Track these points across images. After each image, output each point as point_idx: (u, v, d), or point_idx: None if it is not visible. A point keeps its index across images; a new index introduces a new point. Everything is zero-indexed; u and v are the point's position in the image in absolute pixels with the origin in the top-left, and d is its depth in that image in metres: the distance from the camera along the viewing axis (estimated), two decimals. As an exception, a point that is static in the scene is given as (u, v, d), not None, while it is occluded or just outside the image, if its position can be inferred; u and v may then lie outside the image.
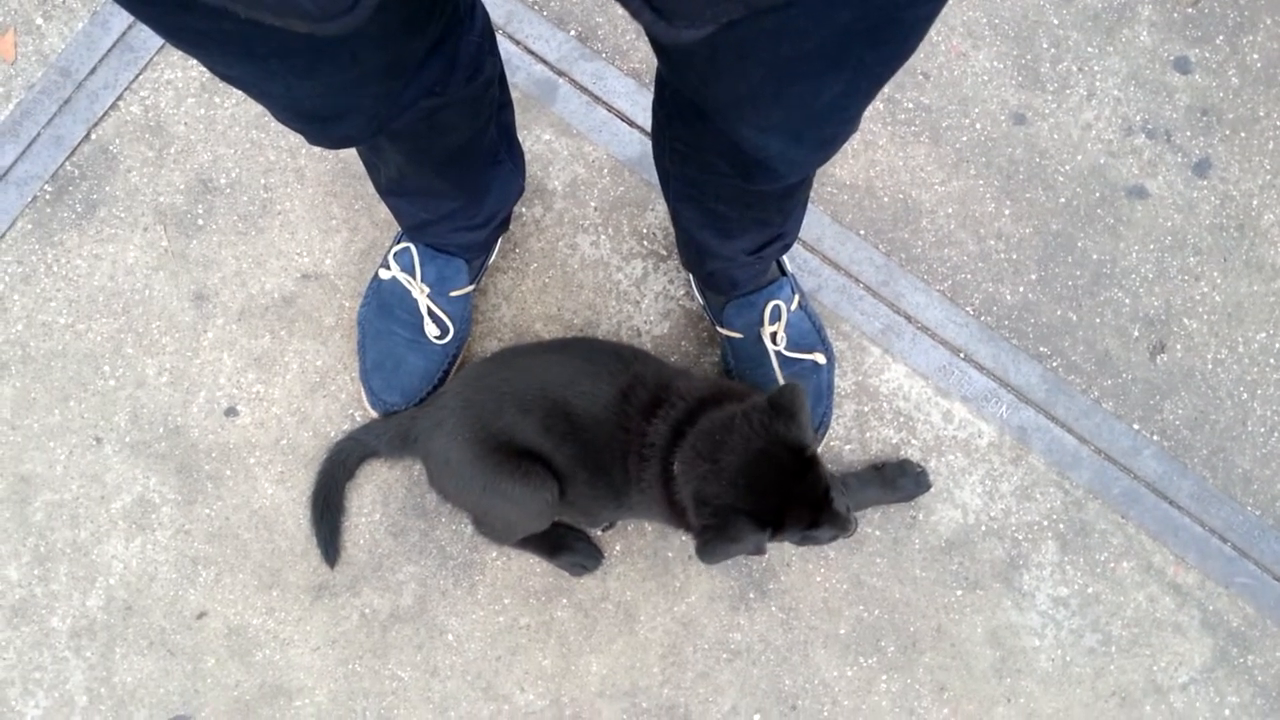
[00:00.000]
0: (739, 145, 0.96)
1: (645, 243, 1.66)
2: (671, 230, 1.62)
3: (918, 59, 1.69)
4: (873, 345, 1.63)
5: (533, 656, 1.57)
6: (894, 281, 1.65)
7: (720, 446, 1.17)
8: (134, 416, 1.61)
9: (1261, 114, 1.69)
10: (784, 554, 1.59)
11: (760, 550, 1.21)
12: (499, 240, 1.62)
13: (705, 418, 1.22)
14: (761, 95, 0.84)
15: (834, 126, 0.94)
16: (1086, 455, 1.61)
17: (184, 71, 1.69)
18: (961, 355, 1.63)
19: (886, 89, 1.64)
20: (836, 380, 1.61)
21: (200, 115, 1.68)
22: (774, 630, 1.57)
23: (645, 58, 1.70)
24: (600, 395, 1.31)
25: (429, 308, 1.53)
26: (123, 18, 1.69)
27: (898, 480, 1.57)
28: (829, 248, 1.66)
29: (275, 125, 1.67)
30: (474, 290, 1.58)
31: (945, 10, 0.79)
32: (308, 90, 0.93)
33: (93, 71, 1.68)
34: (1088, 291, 1.65)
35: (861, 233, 1.66)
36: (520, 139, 1.46)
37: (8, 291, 1.63)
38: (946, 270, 1.66)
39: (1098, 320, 1.65)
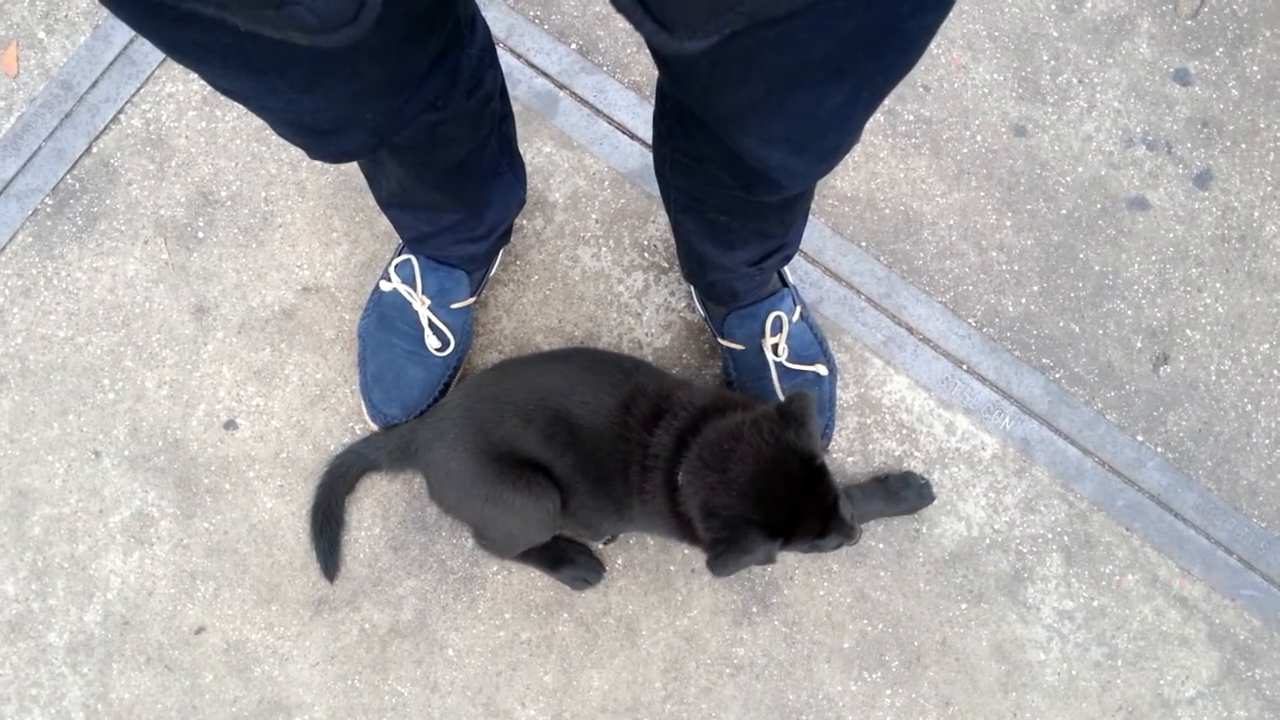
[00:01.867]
0: (740, 156, 0.96)
1: (646, 255, 1.66)
2: (672, 242, 1.61)
3: (918, 72, 1.69)
4: (875, 357, 1.63)
5: (534, 672, 1.55)
6: (896, 293, 1.65)
7: (729, 456, 1.16)
8: (133, 430, 1.60)
9: (1262, 125, 1.69)
10: (787, 568, 1.58)
11: (771, 560, 1.19)
12: (500, 252, 1.61)
13: (710, 427, 1.21)
14: (764, 106, 0.84)
15: (836, 137, 0.94)
16: (1090, 467, 1.60)
17: (185, 85, 1.69)
18: (964, 367, 1.63)
19: (887, 101, 1.64)
20: (838, 392, 1.60)
21: (201, 128, 1.68)
22: (777, 645, 1.56)
23: (646, 70, 1.70)
24: (601, 405, 1.31)
25: (430, 320, 1.53)
26: (124, 32, 1.69)
27: (901, 492, 1.56)
28: (830, 259, 1.65)
29: (276, 138, 1.65)
30: (475, 302, 1.58)
31: (945, 23, 0.78)
32: (308, 104, 0.93)
33: (94, 85, 1.68)
34: (1090, 303, 1.65)
35: (863, 244, 1.66)
36: (521, 151, 1.46)
37: (7, 304, 1.63)
38: (948, 282, 1.65)
39: (1100, 332, 1.64)
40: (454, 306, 1.54)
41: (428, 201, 1.34)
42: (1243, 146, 1.68)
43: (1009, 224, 1.67)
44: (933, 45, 0.83)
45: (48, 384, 1.61)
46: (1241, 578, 1.58)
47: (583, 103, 1.69)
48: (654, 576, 1.58)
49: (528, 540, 1.43)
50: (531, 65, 1.69)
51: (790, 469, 1.15)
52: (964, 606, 1.57)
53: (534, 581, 1.57)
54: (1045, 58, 1.71)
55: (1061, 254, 1.66)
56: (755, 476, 1.15)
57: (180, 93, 1.69)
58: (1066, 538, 1.59)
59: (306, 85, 0.88)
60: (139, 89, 1.68)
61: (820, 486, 1.17)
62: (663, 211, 1.63)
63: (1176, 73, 1.70)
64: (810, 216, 1.47)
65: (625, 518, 1.37)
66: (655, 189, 1.61)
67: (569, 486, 1.34)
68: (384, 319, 1.56)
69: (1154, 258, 1.66)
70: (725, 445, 1.17)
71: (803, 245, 1.61)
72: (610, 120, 1.69)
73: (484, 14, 1.15)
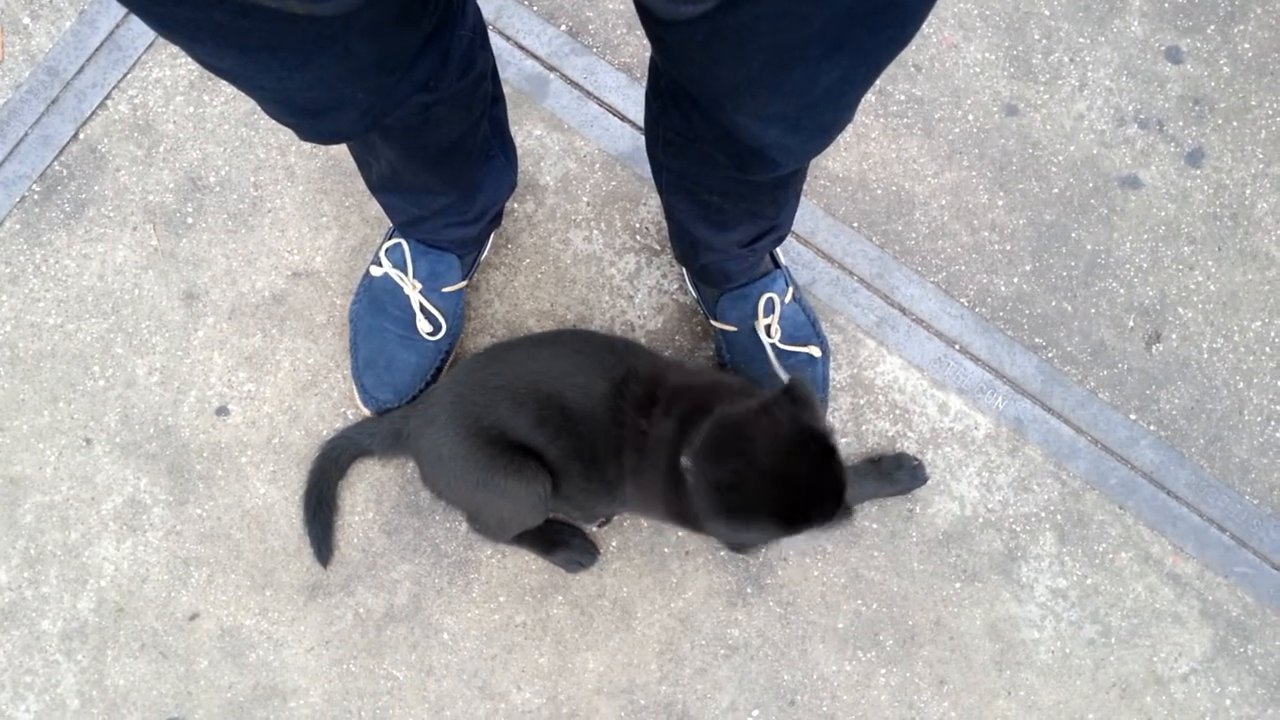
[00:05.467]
0: (735, 134, 0.95)
1: (638, 237, 1.65)
2: (664, 224, 1.61)
3: (909, 51, 1.68)
4: (867, 338, 1.63)
5: (529, 654, 1.55)
6: (888, 274, 1.64)
7: (742, 448, 1.11)
8: (124, 417, 1.60)
9: (1253, 103, 1.69)
10: (781, 548, 1.58)
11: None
12: (491, 236, 1.61)
13: (715, 416, 1.15)
14: (759, 82, 0.84)
15: (831, 114, 0.93)
16: (1083, 446, 1.60)
17: (172, 70, 1.67)
18: (956, 347, 1.63)
19: (878, 81, 1.63)
20: (831, 373, 1.60)
21: (189, 113, 1.66)
22: (772, 625, 1.56)
23: (636, 52, 1.69)
24: (594, 389, 1.30)
25: (421, 304, 1.52)
26: (110, 17, 1.68)
27: (895, 473, 1.56)
28: (823, 241, 1.65)
29: (265, 122, 1.66)
30: (466, 286, 1.57)
31: (936, 2, 0.78)
32: (299, 84, 0.92)
33: (81, 71, 1.67)
34: (1082, 282, 1.65)
35: (855, 225, 1.66)
36: (512, 134, 1.45)
37: (-4, 292, 1.62)
38: (941, 262, 1.65)
39: (1093, 310, 1.64)
40: (445, 290, 1.53)
41: (419, 184, 1.33)
42: (1234, 124, 1.68)
43: (1001, 203, 1.67)
44: (924, 25, 0.82)
45: (38, 371, 1.61)
46: (1234, 555, 1.58)
47: (573, 85, 1.68)
48: (648, 559, 1.58)
49: (520, 524, 1.43)
50: (521, 47, 1.68)
51: (810, 454, 1.11)
52: (958, 586, 1.58)
53: (528, 565, 1.57)
54: (1037, 36, 1.70)
55: (1054, 233, 1.66)
56: (772, 466, 1.10)
57: (168, 78, 1.67)
58: (1060, 516, 1.59)
59: (298, 63, 0.87)
60: (126, 74, 1.67)
61: (834, 468, 1.14)
62: (654, 194, 1.62)
63: (1168, 50, 1.70)
64: (802, 198, 1.47)
65: (618, 500, 1.36)
66: (646, 171, 1.60)
67: (561, 470, 1.34)
68: (375, 303, 1.55)
69: (1146, 236, 1.66)
70: (737, 436, 1.13)
71: (795, 226, 1.60)
72: (601, 102, 1.68)
73: (473, -6, 1.14)
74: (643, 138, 1.25)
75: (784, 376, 1.42)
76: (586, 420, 1.30)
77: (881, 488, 1.56)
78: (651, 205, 1.66)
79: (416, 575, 1.57)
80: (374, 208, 1.62)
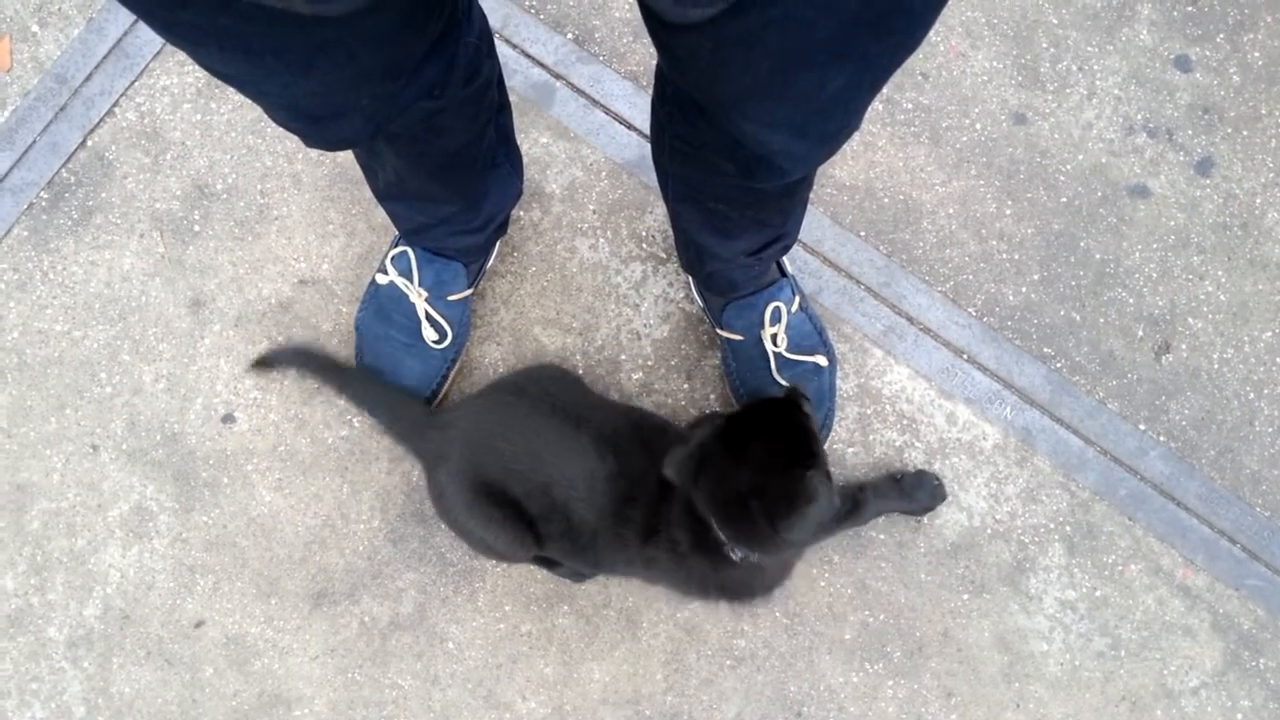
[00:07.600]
0: (741, 141, 0.95)
1: (644, 245, 1.65)
2: (670, 233, 1.60)
3: (916, 59, 1.68)
4: (875, 347, 1.62)
5: (534, 664, 1.55)
6: (895, 283, 1.64)
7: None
8: (131, 424, 1.60)
9: (1263, 112, 1.68)
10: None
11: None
12: (497, 244, 1.61)
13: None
14: (766, 89, 0.83)
15: (838, 120, 0.93)
16: (1092, 456, 1.59)
17: (180, 77, 1.68)
18: (964, 357, 1.62)
19: (886, 90, 1.64)
20: (839, 383, 1.60)
21: (196, 121, 1.67)
22: (778, 636, 1.55)
23: (642, 60, 1.69)
24: (602, 508, 1.29)
25: (427, 312, 1.52)
26: (118, 24, 1.68)
27: (914, 492, 1.55)
28: (829, 249, 1.64)
29: (272, 130, 1.66)
30: (472, 294, 1.57)
31: (944, 10, 0.78)
32: (304, 89, 0.92)
33: (89, 78, 1.67)
34: (1091, 291, 1.64)
35: (862, 234, 1.65)
36: (518, 142, 1.45)
37: (3, 299, 1.62)
38: (948, 271, 1.64)
39: (1101, 320, 1.63)
40: (451, 298, 1.53)
41: (424, 192, 1.33)
42: (1244, 133, 1.67)
43: (1009, 212, 1.66)
44: (931, 33, 0.82)
45: (45, 378, 1.61)
46: (1245, 567, 1.57)
47: (579, 93, 1.68)
48: (654, 568, 1.57)
49: (510, 563, 1.45)
50: (527, 55, 1.69)
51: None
52: (966, 597, 1.56)
53: (533, 574, 1.56)
54: (1045, 45, 1.70)
55: (1062, 242, 1.65)
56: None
57: (175, 85, 1.68)
58: (1069, 527, 1.58)
59: (302, 68, 0.87)
60: (133, 82, 1.67)
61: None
62: (660, 202, 1.62)
63: (1177, 59, 1.69)
64: (809, 206, 1.46)
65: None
66: (653, 179, 1.60)
67: (560, 557, 1.37)
68: (381, 311, 1.55)
69: (1155, 245, 1.65)
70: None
71: (801, 235, 1.60)
72: (607, 110, 1.68)
73: (480, 3, 1.14)
74: (649, 146, 1.25)
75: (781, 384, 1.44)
76: (590, 537, 1.30)
77: (901, 505, 1.55)
78: (657, 213, 1.65)
79: (422, 584, 1.56)
80: (380, 215, 1.62)
